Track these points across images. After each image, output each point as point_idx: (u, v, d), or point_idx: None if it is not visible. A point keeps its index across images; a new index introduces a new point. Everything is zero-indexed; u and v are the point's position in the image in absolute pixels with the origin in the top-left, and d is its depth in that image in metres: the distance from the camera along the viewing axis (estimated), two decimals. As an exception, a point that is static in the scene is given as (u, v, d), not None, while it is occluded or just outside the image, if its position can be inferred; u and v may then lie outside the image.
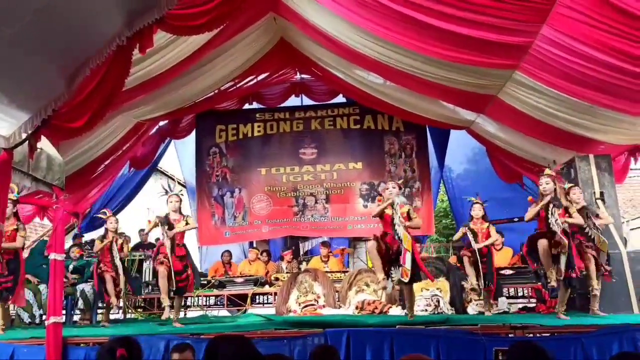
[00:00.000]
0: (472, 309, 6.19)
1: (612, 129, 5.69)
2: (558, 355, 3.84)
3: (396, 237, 4.80)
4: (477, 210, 5.84)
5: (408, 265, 4.67)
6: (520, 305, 7.04)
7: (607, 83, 4.66)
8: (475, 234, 5.72)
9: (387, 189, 5.12)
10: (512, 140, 7.29)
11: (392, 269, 4.91)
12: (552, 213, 4.85)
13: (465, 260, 5.73)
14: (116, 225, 5.88)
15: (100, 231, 9.09)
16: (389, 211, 4.94)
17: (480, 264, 5.62)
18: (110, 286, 5.65)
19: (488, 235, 5.72)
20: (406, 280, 4.74)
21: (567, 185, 5.43)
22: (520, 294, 7.23)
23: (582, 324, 4.43)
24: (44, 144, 3.79)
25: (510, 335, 4.21)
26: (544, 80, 5.13)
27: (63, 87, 3.16)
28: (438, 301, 6.00)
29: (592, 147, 6.11)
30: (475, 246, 5.63)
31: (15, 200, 5.12)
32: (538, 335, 4.28)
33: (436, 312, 5.85)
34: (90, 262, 6.92)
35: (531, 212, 5.12)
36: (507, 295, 6.82)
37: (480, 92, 6.05)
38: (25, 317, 6.30)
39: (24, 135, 3.26)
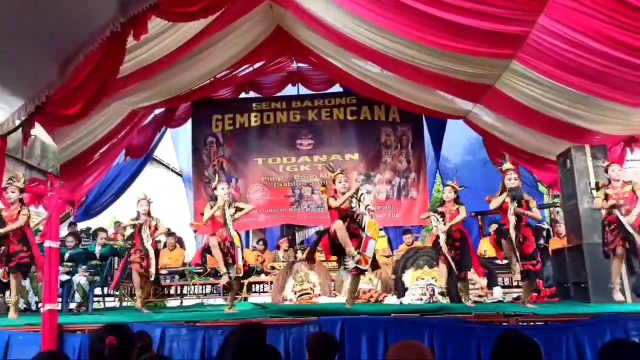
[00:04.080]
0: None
1: (608, 119, 5.70)
2: (551, 343, 3.88)
3: (355, 224, 4.89)
4: (447, 193, 5.74)
5: (369, 252, 4.78)
6: (515, 295, 7.08)
7: (605, 74, 4.65)
8: (443, 216, 5.59)
9: (340, 182, 5.11)
10: (509, 130, 7.29)
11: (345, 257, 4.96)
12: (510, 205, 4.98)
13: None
14: (147, 207, 5.84)
15: (99, 220, 9.20)
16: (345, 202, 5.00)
17: (453, 250, 5.46)
18: (136, 278, 5.68)
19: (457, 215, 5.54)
20: (364, 267, 4.84)
21: (605, 163, 5.43)
22: (514, 283, 7.28)
23: (575, 313, 4.46)
24: (38, 131, 3.77)
25: (503, 324, 4.24)
26: (541, 70, 5.12)
27: (56, 73, 3.14)
28: (433, 290, 6.03)
29: (588, 138, 6.12)
30: (442, 229, 5.48)
31: (21, 188, 5.28)
32: (531, 323, 4.31)
33: (431, 301, 5.89)
34: (86, 251, 6.92)
35: (494, 202, 5.17)
36: (502, 284, 6.87)
37: (477, 82, 6.04)
38: (21, 303, 6.30)
39: (17, 122, 3.25)
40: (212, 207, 5.34)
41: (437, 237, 5.61)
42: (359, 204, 4.93)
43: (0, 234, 5.14)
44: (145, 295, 6.03)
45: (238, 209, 5.43)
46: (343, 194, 5.08)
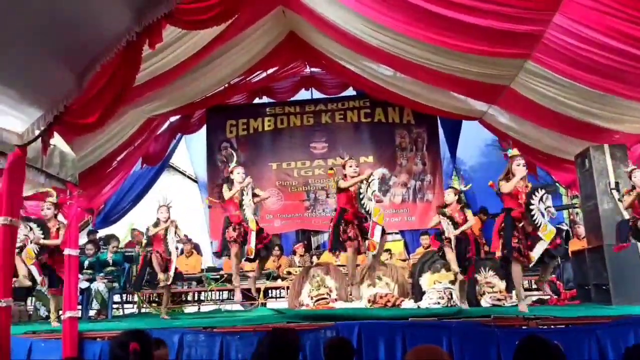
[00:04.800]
0: (485, 302, 6.15)
1: (626, 117, 5.61)
2: (572, 346, 3.80)
3: (362, 210, 4.99)
4: (449, 196, 5.65)
5: (376, 238, 4.88)
6: (535, 298, 6.98)
7: (622, 71, 4.59)
8: (453, 220, 5.49)
9: (350, 166, 5.27)
10: (525, 131, 7.21)
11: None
12: (541, 200, 4.76)
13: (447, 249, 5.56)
14: (167, 214, 5.90)
15: (116, 227, 9.30)
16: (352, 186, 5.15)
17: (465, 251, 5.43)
18: (157, 265, 5.72)
19: (465, 220, 5.46)
20: (374, 252, 4.98)
21: (630, 168, 5.25)
22: (534, 286, 7.17)
23: (597, 315, 4.38)
24: (57, 140, 3.83)
25: (523, 327, 4.17)
26: (557, 69, 5.06)
27: (74, 83, 3.18)
28: (451, 294, 5.96)
29: (607, 137, 6.02)
30: (453, 233, 5.40)
31: (55, 203, 5.41)
32: (552, 327, 4.24)
33: (449, 305, 5.83)
34: (98, 259, 6.99)
35: (507, 186, 4.89)
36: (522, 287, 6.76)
37: (492, 83, 6.00)
38: (42, 310, 6.41)
39: (37, 132, 3.29)
40: (230, 190, 5.47)
41: (443, 240, 5.57)
42: (367, 189, 4.95)
43: (43, 244, 5.23)
44: (165, 303, 6.06)
45: (255, 195, 5.55)
46: (353, 177, 5.15)
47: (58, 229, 5.35)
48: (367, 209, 4.90)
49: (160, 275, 5.68)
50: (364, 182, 5.04)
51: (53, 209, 5.39)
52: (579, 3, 4.09)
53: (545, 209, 4.72)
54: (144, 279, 6.00)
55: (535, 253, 4.78)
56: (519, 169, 4.92)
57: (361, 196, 4.97)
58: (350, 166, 5.27)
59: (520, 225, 4.82)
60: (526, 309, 4.84)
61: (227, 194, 5.39)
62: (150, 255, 5.75)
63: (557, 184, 8.82)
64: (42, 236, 5.22)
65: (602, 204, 5.68)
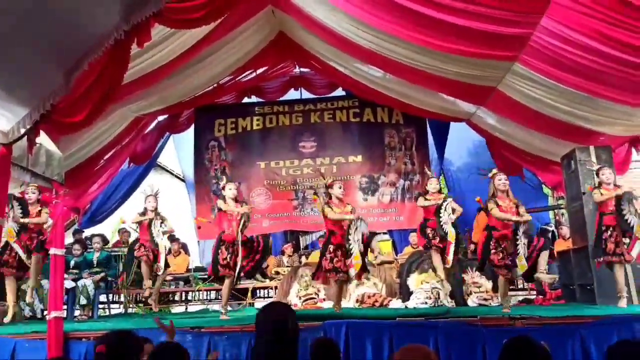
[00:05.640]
0: (472, 302, 6.20)
1: (612, 120, 5.68)
2: (557, 346, 3.85)
3: (345, 250, 4.97)
4: (429, 185, 6.09)
5: (352, 273, 4.96)
6: (521, 297, 7.06)
7: (607, 74, 4.65)
8: (453, 211, 5.82)
9: (340, 187, 5.25)
10: (513, 132, 7.28)
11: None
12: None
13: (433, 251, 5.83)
14: (155, 204, 5.85)
15: (103, 227, 9.21)
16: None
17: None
18: (145, 270, 5.66)
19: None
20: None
21: (595, 167, 5.47)
22: (520, 286, 7.25)
23: (581, 315, 4.44)
24: (43, 139, 3.79)
25: (509, 327, 4.22)
26: (543, 71, 5.12)
27: (61, 81, 3.16)
28: (438, 294, 6.01)
29: (592, 139, 6.09)
30: (451, 220, 5.71)
31: (39, 189, 5.39)
32: (537, 326, 4.29)
33: (436, 305, 5.87)
34: (85, 259, 6.92)
35: (499, 214, 5.05)
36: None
37: (480, 84, 6.04)
38: (27, 310, 6.32)
39: (22, 130, 3.26)
40: (225, 203, 5.37)
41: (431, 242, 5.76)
42: (355, 232, 4.89)
43: (22, 223, 5.20)
44: (156, 295, 6.02)
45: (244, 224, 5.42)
46: (341, 200, 5.09)
47: (39, 212, 5.32)
48: (352, 252, 4.88)
49: (146, 282, 5.67)
50: (352, 225, 4.91)
51: (37, 194, 5.38)
52: (565, 6, 4.14)
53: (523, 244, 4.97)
54: (131, 279, 5.99)
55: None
56: (501, 183, 5.16)
57: (349, 236, 4.92)
58: (339, 187, 5.18)
59: (503, 246, 5.01)
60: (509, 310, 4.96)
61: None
62: (139, 254, 5.72)
63: (542, 184, 8.92)
64: (21, 215, 5.17)
65: (587, 204, 5.75)
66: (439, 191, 5.95)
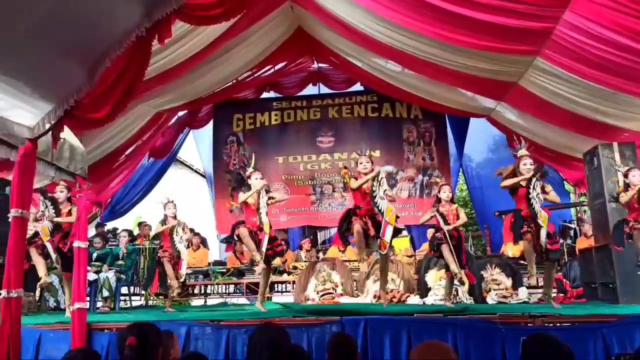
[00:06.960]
0: (491, 299, 6.15)
1: (636, 115, 5.56)
2: (578, 345, 3.80)
3: (375, 208, 4.86)
4: (446, 192, 5.60)
5: (387, 238, 4.77)
6: (540, 295, 6.96)
7: (631, 69, 4.55)
8: (444, 217, 5.44)
9: (361, 163, 5.18)
10: (534, 128, 7.18)
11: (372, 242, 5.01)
12: (534, 187, 4.76)
13: (444, 247, 5.58)
14: (174, 210, 5.92)
15: (124, 221, 9.36)
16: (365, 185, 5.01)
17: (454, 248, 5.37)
18: (169, 269, 5.74)
19: (457, 218, 5.42)
20: (383, 252, 4.88)
21: (624, 169, 5.23)
22: (540, 283, 7.15)
23: (603, 314, 4.37)
24: (67, 134, 3.86)
25: (529, 325, 4.17)
26: (566, 66, 5.04)
27: (84, 78, 3.22)
28: (457, 290, 5.97)
29: (616, 135, 5.97)
30: (445, 228, 5.32)
31: (68, 187, 5.37)
32: (557, 325, 4.23)
33: (455, 302, 5.83)
34: (113, 251, 7.05)
35: (507, 182, 4.94)
36: (527, 285, 6.74)
37: (501, 79, 5.97)
38: (51, 301, 6.48)
39: (47, 126, 3.33)
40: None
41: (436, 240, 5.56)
42: (378, 188, 4.93)
43: (57, 222, 5.20)
44: (170, 300, 6.12)
45: (271, 198, 5.45)
46: (365, 174, 5.13)
47: (69, 211, 5.32)
48: (380, 208, 4.85)
49: (173, 282, 5.75)
50: (375, 180, 4.99)
51: (66, 192, 5.35)
52: (589, 0, 4.06)
53: (536, 195, 4.74)
54: (153, 278, 6.08)
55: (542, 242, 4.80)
56: (525, 168, 4.94)
57: (374, 194, 4.92)
58: (361, 163, 5.22)
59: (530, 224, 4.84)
60: (558, 306, 4.89)
61: (241, 197, 5.32)
62: (161, 255, 5.81)
63: (564, 181, 8.79)
64: (54, 215, 5.25)
65: (609, 202, 5.64)
66: (451, 200, 5.61)
